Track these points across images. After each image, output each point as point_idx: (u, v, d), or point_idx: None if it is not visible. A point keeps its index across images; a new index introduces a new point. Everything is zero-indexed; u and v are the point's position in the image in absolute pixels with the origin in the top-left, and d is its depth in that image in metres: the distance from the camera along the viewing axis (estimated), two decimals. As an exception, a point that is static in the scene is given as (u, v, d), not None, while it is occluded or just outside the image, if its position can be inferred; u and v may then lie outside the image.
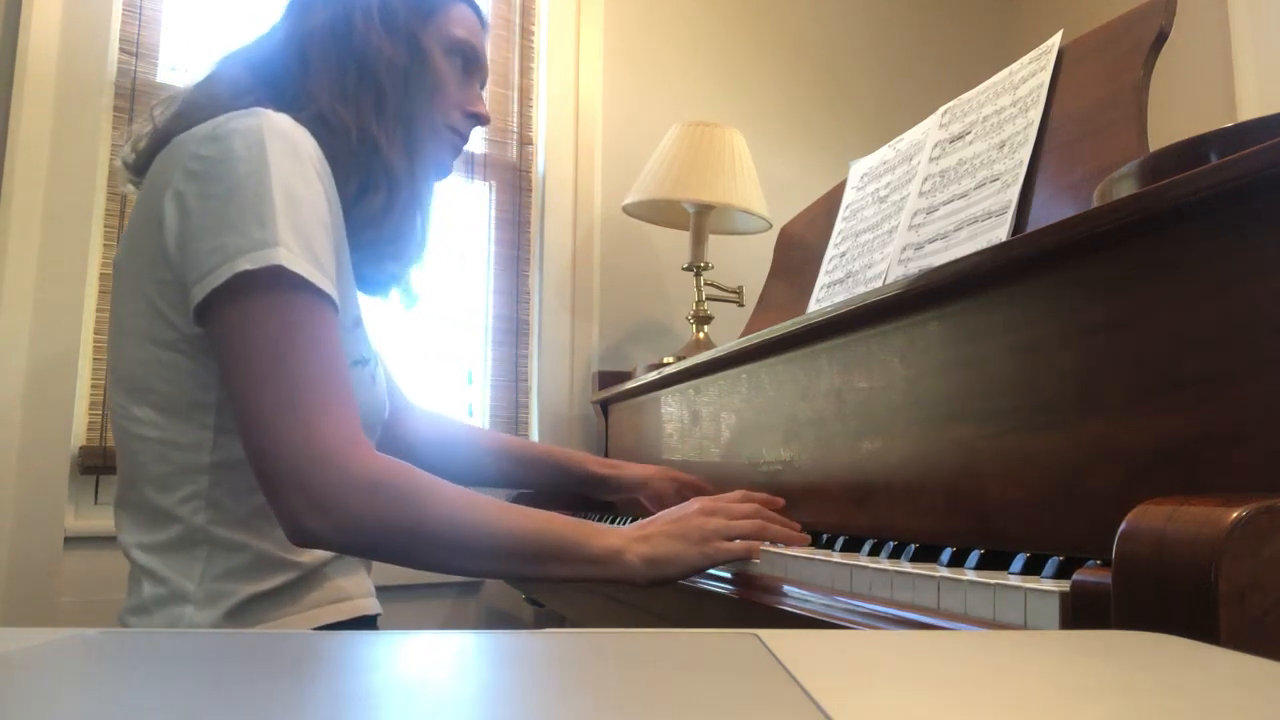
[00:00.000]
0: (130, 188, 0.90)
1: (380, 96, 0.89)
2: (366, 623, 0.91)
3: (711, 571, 0.88)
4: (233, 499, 0.81)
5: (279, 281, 0.73)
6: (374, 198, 0.87)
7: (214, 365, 0.79)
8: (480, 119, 1.01)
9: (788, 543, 0.87)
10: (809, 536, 0.90)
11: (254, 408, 0.72)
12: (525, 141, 2.06)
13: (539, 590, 1.61)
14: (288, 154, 0.76)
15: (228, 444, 0.80)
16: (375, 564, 0.92)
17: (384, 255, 0.91)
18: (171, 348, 0.80)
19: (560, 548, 0.79)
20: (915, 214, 1.07)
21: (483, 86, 1.04)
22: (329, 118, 0.85)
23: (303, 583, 0.85)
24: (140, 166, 0.87)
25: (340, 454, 0.72)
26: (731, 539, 0.84)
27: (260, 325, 0.73)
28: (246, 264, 0.72)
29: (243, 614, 0.80)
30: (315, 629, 0.83)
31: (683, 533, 0.83)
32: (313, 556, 0.85)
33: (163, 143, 0.82)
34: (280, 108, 0.81)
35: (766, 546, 0.85)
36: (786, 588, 0.76)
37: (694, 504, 0.88)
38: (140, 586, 0.82)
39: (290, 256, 0.73)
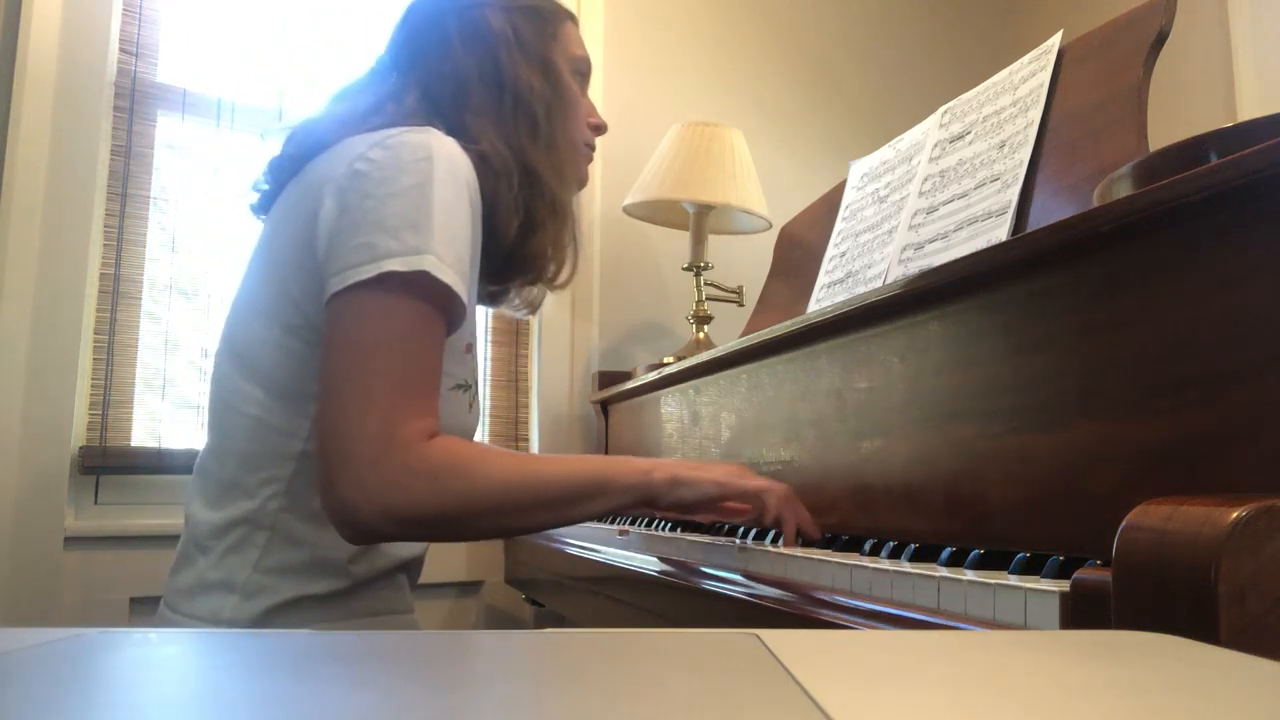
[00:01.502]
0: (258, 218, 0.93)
1: (534, 126, 0.91)
2: None
3: (712, 571, 0.88)
4: (309, 492, 0.81)
5: (418, 288, 0.76)
6: (539, 234, 0.91)
7: None
8: (602, 129, 1.04)
9: (806, 524, 0.90)
10: (822, 528, 0.91)
11: (340, 389, 0.74)
12: (525, 141, 2.06)
13: (540, 590, 1.61)
14: (450, 174, 0.79)
15: None
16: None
17: (539, 271, 0.95)
18: (295, 334, 0.82)
19: (596, 485, 0.82)
20: (915, 214, 1.07)
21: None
22: (491, 159, 0.87)
23: (349, 595, 0.85)
24: (268, 200, 0.90)
25: (405, 449, 0.73)
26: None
27: (380, 319, 0.75)
28: (397, 265, 0.74)
29: (282, 615, 0.81)
30: None
31: (710, 467, 0.89)
32: (367, 569, 0.86)
33: (324, 145, 0.84)
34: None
35: (766, 546, 0.86)
36: (785, 586, 0.76)
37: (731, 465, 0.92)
38: (192, 565, 0.83)
39: (440, 266, 0.75)
